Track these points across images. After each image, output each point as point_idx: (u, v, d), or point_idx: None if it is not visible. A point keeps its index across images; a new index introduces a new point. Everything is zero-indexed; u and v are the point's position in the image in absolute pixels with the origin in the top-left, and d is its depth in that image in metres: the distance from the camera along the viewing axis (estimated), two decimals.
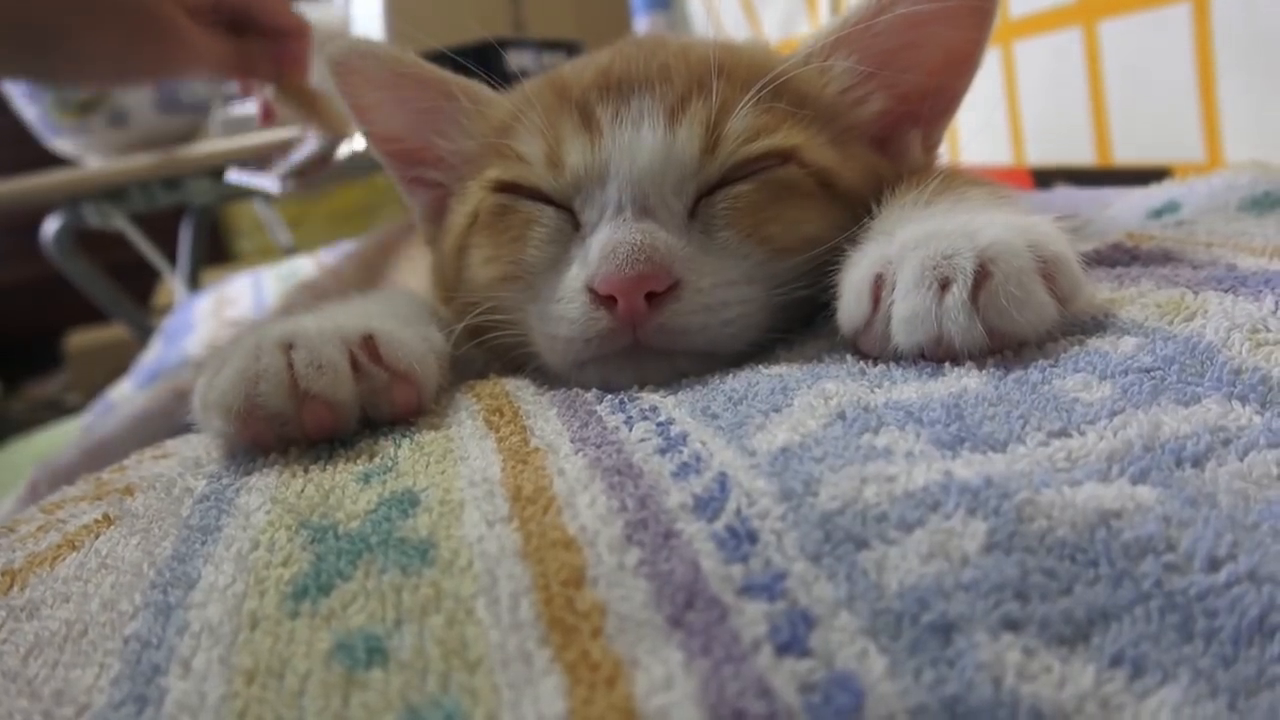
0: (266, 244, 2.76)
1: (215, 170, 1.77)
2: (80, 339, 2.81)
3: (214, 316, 1.43)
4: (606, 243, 0.47)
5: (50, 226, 1.78)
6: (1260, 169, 0.58)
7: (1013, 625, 0.26)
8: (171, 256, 2.06)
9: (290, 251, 2.20)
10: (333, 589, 0.31)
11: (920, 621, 0.26)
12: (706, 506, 0.32)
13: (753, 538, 0.30)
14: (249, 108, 1.96)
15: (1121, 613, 0.26)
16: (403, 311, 0.54)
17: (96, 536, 0.38)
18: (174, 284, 2.06)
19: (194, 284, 2.04)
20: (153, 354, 1.42)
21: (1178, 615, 0.26)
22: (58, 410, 2.43)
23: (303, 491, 0.38)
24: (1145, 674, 0.25)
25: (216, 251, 2.91)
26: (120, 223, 1.77)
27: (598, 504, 0.32)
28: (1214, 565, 0.27)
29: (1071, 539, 0.28)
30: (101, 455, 0.95)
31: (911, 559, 0.28)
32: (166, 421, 1.03)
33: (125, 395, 1.26)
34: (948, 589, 0.27)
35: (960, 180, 0.49)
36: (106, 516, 0.40)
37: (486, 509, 0.34)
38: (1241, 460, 0.31)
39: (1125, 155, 0.91)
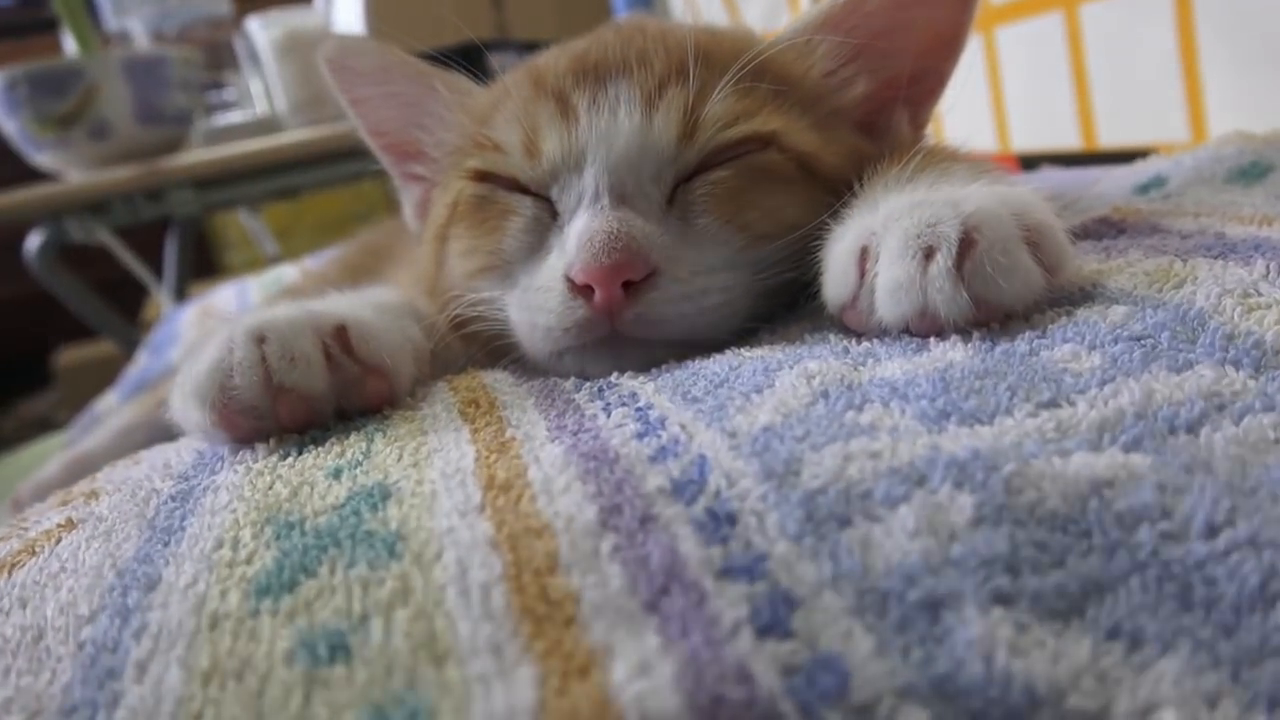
0: (254, 256, 2.74)
1: (198, 181, 1.75)
2: (70, 356, 2.78)
3: (199, 327, 1.41)
4: (583, 231, 0.46)
5: (33, 242, 1.76)
6: (1245, 139, 0.57)
7: (1004, 600, 0.25)
8: (159, 271, 2.04)
9: (277, 261, 2.19)
10: (297, 585, 0.29)
11: (907, 599, 0.25)
12: (685, 489, 0.30)
13: (732, 519, 0.29)
14: (232, 117, 1.95)
15: (1117, 584, 0.25)
16: (380, 304, 0.53)
17: (57, 541, 0.37)
18: (162, 298, 2.04)
19: (181, 297, 2.01)
20: (138, 366, 1.40)
21: (1176, 584, 0.25)
22: (49, 428, 2.40)
23: (271, 488, 0.36)
24: (1144, 646, 0.23)
25: (204, 265, 2.89)
26: (104, 236, 1.75)
27: (572, 490, 0.31)
28: (1212, 532, 0.26)
29: (1063, 510, 0.27)
30: (85, 468, 0.93)
31: (898, 535, 0.27)
32: (150, 433, 1.02)
33: (110, 407, 1.24)
34: (935, 565, 0.26)
35: (942, 156, 0.48)
36: (69, 520, 0.39)
37: (458, 499, 0.32)
38: (1237, 425, 0.30)
39: (1110, 138, 0.90)
